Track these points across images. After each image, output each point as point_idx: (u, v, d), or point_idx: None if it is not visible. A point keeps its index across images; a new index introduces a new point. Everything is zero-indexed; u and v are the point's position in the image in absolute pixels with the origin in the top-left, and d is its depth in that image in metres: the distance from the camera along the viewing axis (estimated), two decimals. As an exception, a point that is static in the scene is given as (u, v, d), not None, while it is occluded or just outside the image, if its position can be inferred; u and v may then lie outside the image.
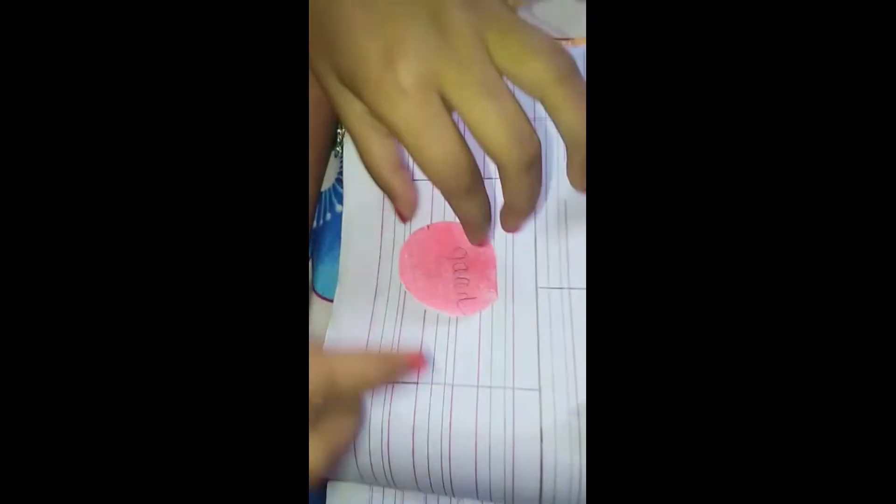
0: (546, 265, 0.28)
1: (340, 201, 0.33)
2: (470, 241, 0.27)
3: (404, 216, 0.28)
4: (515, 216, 0.25)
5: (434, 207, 0.30)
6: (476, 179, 0.23)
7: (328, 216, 0.33)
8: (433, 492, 0.26)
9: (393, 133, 0.22)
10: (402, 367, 0.25)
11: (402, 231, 0.30)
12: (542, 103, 0.22)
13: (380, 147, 0.24)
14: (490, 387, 0.25)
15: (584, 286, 0.26)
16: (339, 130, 0.35)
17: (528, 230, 0.28)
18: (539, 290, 0.27)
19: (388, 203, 0.30)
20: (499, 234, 0.28)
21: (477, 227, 0.25)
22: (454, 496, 0.26)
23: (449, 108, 0.22)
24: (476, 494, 0.25)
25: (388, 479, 0.26)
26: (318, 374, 0.21)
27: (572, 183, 0.25)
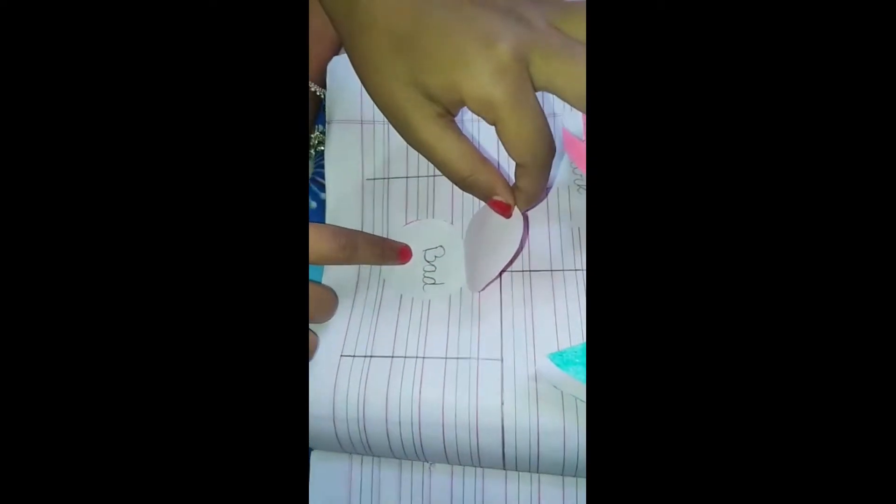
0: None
1: (314, 198, 0.36)
2: (520, 208, 0.28)
3: (507, 208, 0.28)
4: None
5: (419, 203, 0.34)
6: (553, 155, 0.26)
7: (303, 212, 0.36)
8: (406, 457, 0.29)
9: (489, 112, 0.24)
10: (392, 253, 0.32)
11: (382, 223, 0.33)
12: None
13: (461, 144, 0.26)
14: (457, 358, 0.28)
15: (547, 268, 0.31)
16: (312, 136, 0.38)
17: None
18: (502, 274, 0.31)
19: (367, 198, 0.34)
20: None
21: (536, 198, 0.28)
22: (426, 460, 0.29)
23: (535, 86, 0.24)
24: (445, 457, 0.28)
25: (364, 447, 0.29)
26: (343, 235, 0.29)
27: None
